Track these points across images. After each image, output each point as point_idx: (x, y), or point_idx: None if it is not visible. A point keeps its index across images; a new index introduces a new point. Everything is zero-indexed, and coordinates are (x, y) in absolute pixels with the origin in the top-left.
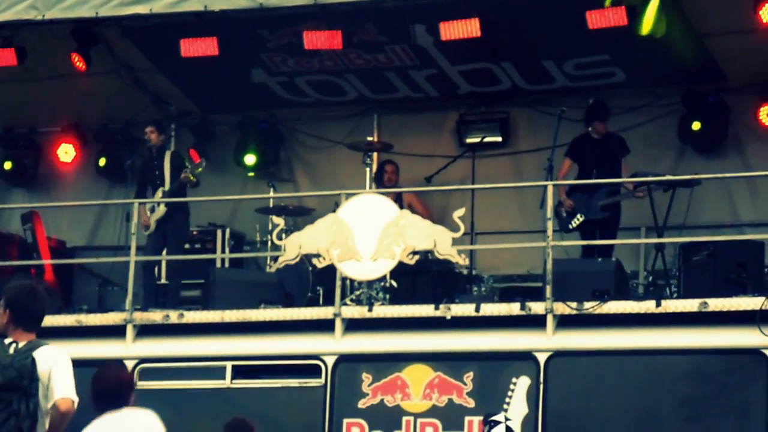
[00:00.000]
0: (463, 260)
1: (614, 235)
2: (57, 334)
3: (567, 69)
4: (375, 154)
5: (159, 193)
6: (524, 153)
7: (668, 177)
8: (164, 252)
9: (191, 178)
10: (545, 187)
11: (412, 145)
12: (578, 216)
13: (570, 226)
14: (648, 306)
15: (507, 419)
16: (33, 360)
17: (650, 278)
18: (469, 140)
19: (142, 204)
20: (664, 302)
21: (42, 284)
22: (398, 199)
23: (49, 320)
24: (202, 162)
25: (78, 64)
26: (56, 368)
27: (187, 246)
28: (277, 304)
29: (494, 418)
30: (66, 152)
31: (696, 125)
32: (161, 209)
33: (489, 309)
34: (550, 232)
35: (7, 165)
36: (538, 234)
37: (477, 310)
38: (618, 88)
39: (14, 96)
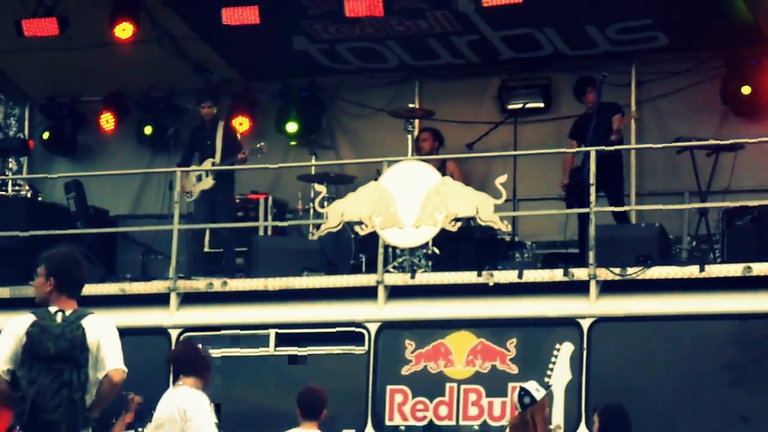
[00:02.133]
0: (505, 227)
1: (620, 195)
2: (101, 302)
3: (609, 33)
4: (417, 121)
5: (208, 164)
6: (566, 119)
7: (711, 141)
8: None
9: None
10: (587, 152)
11: (453, 112)
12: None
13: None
14: (691, 271)
15: (545, 386)
16: (83, 330)
17: (694, 243)
18: (510, 106)
19: (184, 172)
20: (707, 267)
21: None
22: (441, 167)
23: (93, 289)
24: (263, 147)
25: (122, 32)
26: (105, 338)
27: None
28: (320, 271)
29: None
30: (108, 121)
31: (740, 89)
32: (209, 180)
33: (532, 275)
34: (593, 198)
35: (48, 134)
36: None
37: (520, 276)
38: (660, 52)
39: (56, 65)
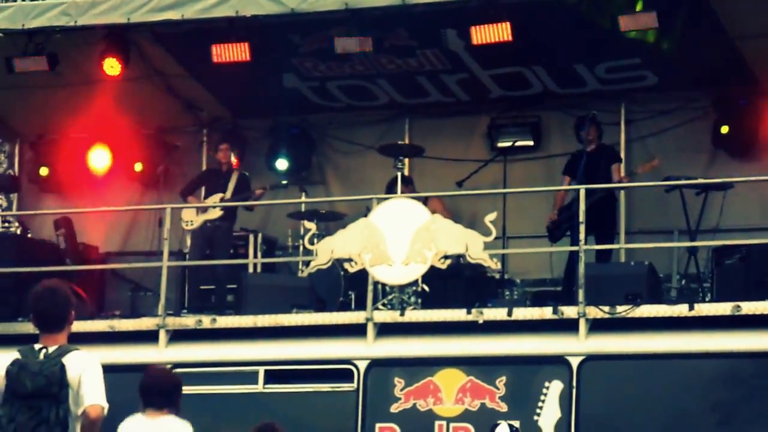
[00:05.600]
0: (495, 264)
1: (611, 237)
2: (90, 339)
3: (598, 72)
4: (406, 159)
5: (216, 198)
6: (556, 156)
7: (700, 180)
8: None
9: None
10: (577, 190)
11: (443, 150)
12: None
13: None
14: (681, 309)
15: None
16: (62, 366)
17: (683, 282)
18: (500, 144)
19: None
20: (697, 306)
21: (67, 287)
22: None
23: (82, 326)
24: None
25: (111, 69)
26: (86, 374)
27: None
28: (309, 308)
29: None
30: (98, 158)
31: (725, 129)
32: (216, 210)
33: (521, 313)
34: (582, 236)
35: (43, 171)
36: (569, 238)
37: (509, 314)
38: (649, 91)
39: (46, 102)
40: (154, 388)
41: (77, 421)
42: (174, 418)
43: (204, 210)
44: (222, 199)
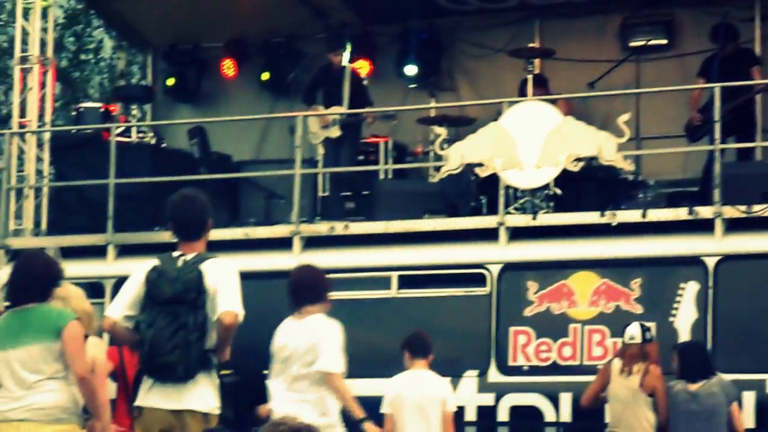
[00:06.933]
0: (628, 166)
1: (751, 137)
2: (225, 247)
3: None
4: (537, 61)
5: (337, 110)
6: (690, 55)
7: None
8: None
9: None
10: (712, 89)
11: (574, 51)
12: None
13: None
14: None
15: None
16: (200, 273)
17: None
18: (633, 44)
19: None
20: None
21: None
22: None
23: (218, 234)
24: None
25: None
26: (222, 281)
27: None
28: (441, 213)
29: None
30: (229, 67)
31: None
32: (335, 130)
33: (656, 214)
34: (717, 135)
35: (171, 81)
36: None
37: (643, 215)
38: None
39: (178, 12)
40: (300, 286)
41: (214, 327)
42: (322, 317)
43: (326, 126)
44: (340, 114)
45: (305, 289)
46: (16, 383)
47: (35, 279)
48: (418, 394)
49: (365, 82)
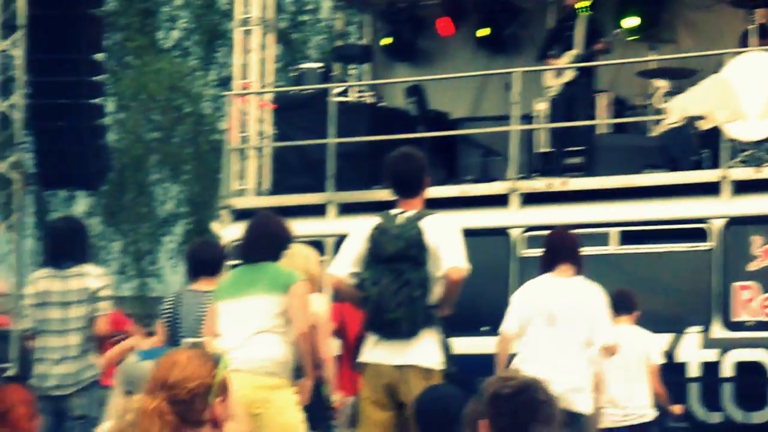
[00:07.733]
0: None
1: None
2: (442, 204)
3: None
4: (759, 11)
5: (567, 57)
6: None
7: None
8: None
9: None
10: None
11: None
12: None
13: None
14: None
15: None
16: (420, 230)
17: None
18: None
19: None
20: None
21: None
22: None
23: (434, 191)
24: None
25: None
26: (445, 237)
27: None
28: (662, 168)
29: None
30: (445, 25)
31: None
32: (570, 72)
33: None
34: None
35: (387, 40)
36: None
37: None
38: None
39: None
40: (563, 248)
41: (436, 285)
42: (584, 279)
43: (559, 73)
44: (574, 57)
45: (564, 249)
46: (237, 333)
47: (270, 238)
48: (621, 350)
49: (600, 25)
